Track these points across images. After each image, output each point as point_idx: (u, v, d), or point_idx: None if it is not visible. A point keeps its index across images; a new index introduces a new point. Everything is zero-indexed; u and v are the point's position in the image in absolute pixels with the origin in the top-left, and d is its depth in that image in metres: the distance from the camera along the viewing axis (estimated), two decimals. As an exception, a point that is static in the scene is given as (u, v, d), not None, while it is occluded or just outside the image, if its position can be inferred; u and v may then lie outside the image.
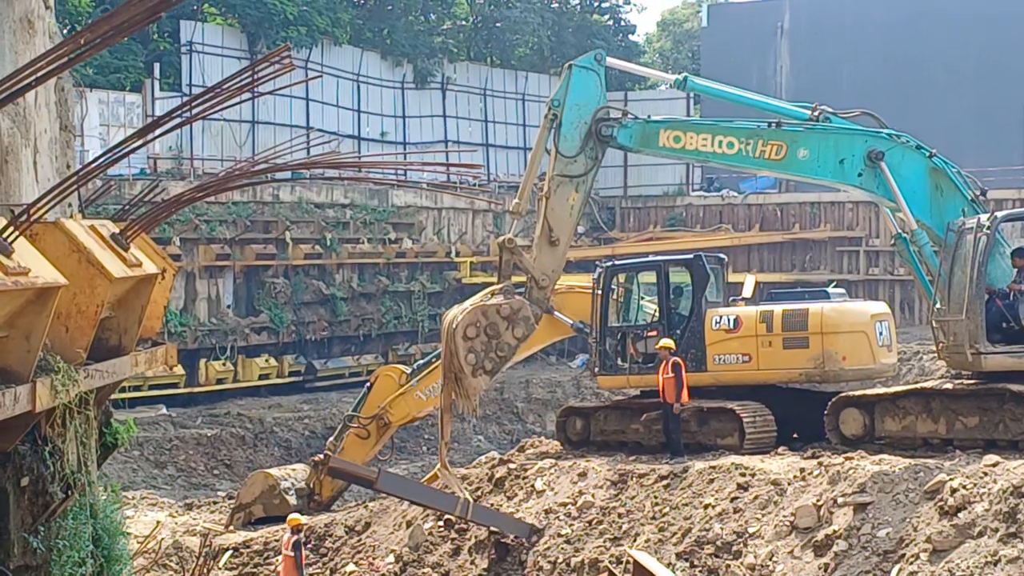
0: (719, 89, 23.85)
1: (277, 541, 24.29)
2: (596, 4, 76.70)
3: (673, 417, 22.57)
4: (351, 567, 22.68)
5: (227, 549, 24.26)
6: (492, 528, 21.51)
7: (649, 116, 21.99)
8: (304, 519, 22.89)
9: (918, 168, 21.12)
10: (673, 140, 21.46)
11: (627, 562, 19.11)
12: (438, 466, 22.32)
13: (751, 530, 19.34)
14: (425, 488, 22.92)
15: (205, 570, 20.69)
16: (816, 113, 21.67)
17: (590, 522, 21.30)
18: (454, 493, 21.50)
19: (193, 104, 8.22)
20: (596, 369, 25.48)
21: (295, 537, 21.17)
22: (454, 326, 19.83)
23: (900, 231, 21.31)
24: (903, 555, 17.20)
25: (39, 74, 6.45)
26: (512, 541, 21.33)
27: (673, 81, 23.17)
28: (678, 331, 24.23)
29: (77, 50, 6.38)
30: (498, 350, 20.06)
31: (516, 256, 20.58)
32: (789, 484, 19.85)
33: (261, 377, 45.94)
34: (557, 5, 73.13)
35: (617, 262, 26.89)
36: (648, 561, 17.82)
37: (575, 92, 21.07)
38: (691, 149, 21.58)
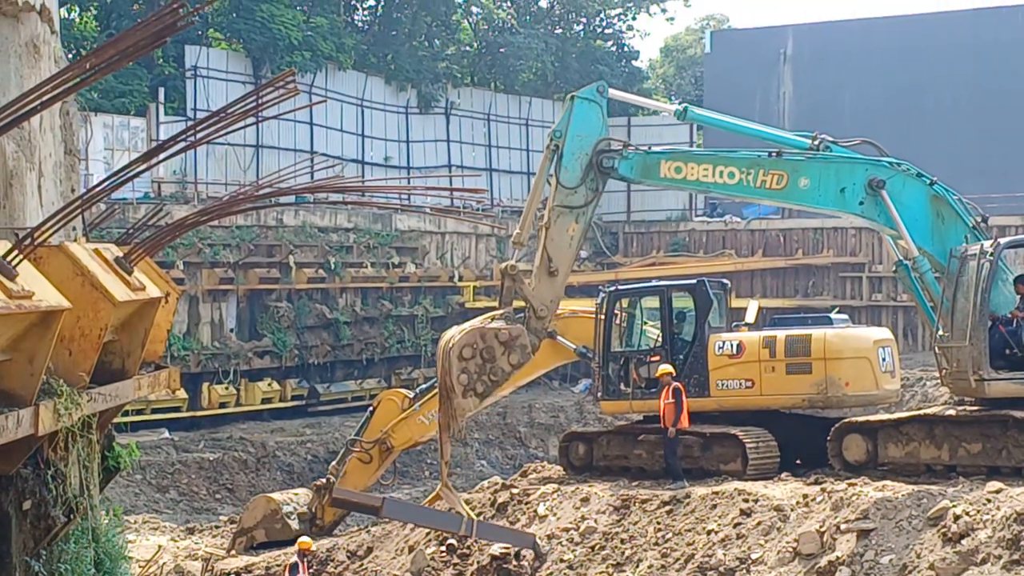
0: (719, 119, 23.91)
1: (279, 566, 24.24)
2: (599, 30, 76.92)
3: (672, 442, 22.54)
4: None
5: (229, 574, 24.20)
6: (500, 544, 21.47)
7: (650, 147, 22.01)
8: (311, 543, 22.89)
9: (919, 196, 21.12)
10: (674, 171, 21.45)
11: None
12: (439, 486, 22.30)
13: (754, 556, 19.28)
14: (429, 511, 22.91)
15: (207, 594, 20.67)
16: (817, 142, 21.67)
17: (593, 547, 21.25)
18: (458, 513, 21.49)
19: (198, 128, 8.26)
20: (599, 394, 25.47)
21: (293, 559, 21.24)
22: (451, 345, 19.84)
23: (901, 258, 21.31)
24: (906, 582, 17.15)
25: (44, 98, 6.48)
26: (514, 567, 21.27)
27: (674, 111, 23.16)
28: (681, 356, 24.22)
29: (82, 75, 6.41)
30: (491, 374, 20.04)
31: (517, 283, 20.57)
32: (792, 510, 19.81)
33: (264, 401, 45.90)
34: (561, 31, 73.38)
35: (620, 287, 26.90)
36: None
37: (577, 123, 21.06)
38: (692, 180, 21.58)
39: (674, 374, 22.70)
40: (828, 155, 21.32)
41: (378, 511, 22.34)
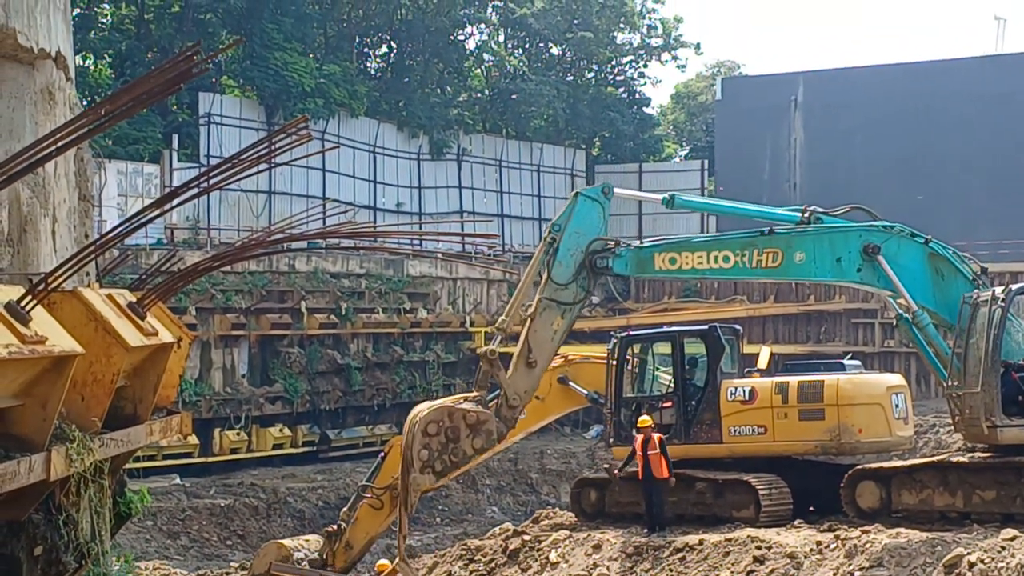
0: (706, 203, 23.98)
1: (289, 613, 24.11)
2: (611, 77, 77.27)
3: (658, 492, 22.53)
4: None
5: (239, 620, 24.09)
6: None
7: (642, 242, 21.93)
8: (389, 565, 23.05)
9: (916, 256, 21.05)
10: (669, 262, 21.39)
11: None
12: (396, 559, 21.96)
13: (767, 604, 19.15)
14: None
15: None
16: (807, 215, 21.65)
17: (605, 595, 21.11)
18: None
19: (211, 174, 8.29)
20: (611, 440, 25.39)
21: None
22: (417, 419, 19.65)
23: (902, 312, 21.25)
24: (921, 630, 17.02)
25: (59, 144, 6.52)
26: None
27: (661, 200, 23.14)
28: (693, 402, 24.18)
29: (97, 121, 6.46)
30: (452, 454, 19.77)
31: (495, 369, 20.33)
32: (806, 557, 19.69)
33: (275, 447, 45.86)
34: (572, 78, 73.72)
35: (632, 332, 26.87)
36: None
37: (577, 220, 20.92)
38: (688, 268, 21.49)
39: (653, 424, 22.73)
40: (820, 226, 21.25)
41: None
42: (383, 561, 23.20)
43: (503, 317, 20.96)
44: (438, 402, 20.15)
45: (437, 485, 20.70)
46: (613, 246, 21.22)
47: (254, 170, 8.50)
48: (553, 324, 20.62)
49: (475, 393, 20.34)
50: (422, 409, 19.73)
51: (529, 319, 20.56)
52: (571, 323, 20.82)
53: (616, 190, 22.46)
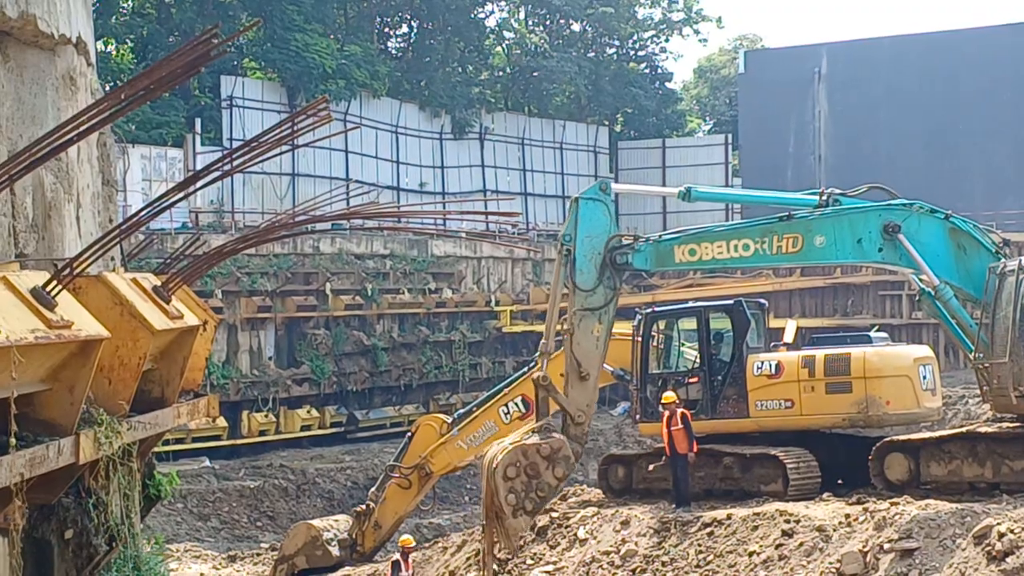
0: (722, 193, 23.76)
1: (320, 592, 24.26)
2: (633, 53, 76.97)
3: (683, 467, 22.52)
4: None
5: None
6: (541, 569, 21.38)
7: (661, 235, 21.81)
8: (413, 541, 23.26)
9: (936, 232, 20.91)
10: (688, 254, 21.28)
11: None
12: None
13: (796, 577, 19.14)
14: None
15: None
16: (825, 198, 21.52)
17: (633, 571, 21.15)
18: None
19: (234, 156, 8.30)
20: (637, 416, 25.38)
21: (396, 557, 21.77)
22: (494, 465, 19.49)
23: (925, 288, 21.14)
24: (951, 601, 16.99)
25: (81, 129, 6.54)
26: None
27: (677, 193, 22.99)
28: (719, 377, 24.15)
29: (117, 105, 6.47)
30: (538, 490, 19.68)
31: (551, 393, 20.30)
32: (834, 530, 19.66)
33: (303, 428, 46.03)
34: (594, 54, 73.48)
35: (657, 309, 26.82)
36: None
37: (584, 224, 20.79)
38: (708, 259, 21.38)
39: (678, 400, 22.70)
40: (839, 208, 21.11)
41: None
42: (406, 536, 23.29)
43: (543, 340, 20.79)
44: (507, 442, 19.85)
45: (532, 522, 20.56)
46: (632, 241, 21.13)
47: (276, 152, 8.51)
48: (593, 331, 20.54)
49: (539, 423, 20.18)
50: (495, 455, 19.48)
51: (568, 335, 20.46)
52: (611, 324, 20.68)
53: (621, 186, 22.39)
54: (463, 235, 50.90)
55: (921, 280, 21.07)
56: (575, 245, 20.51)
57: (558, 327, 21.19)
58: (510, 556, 20.91)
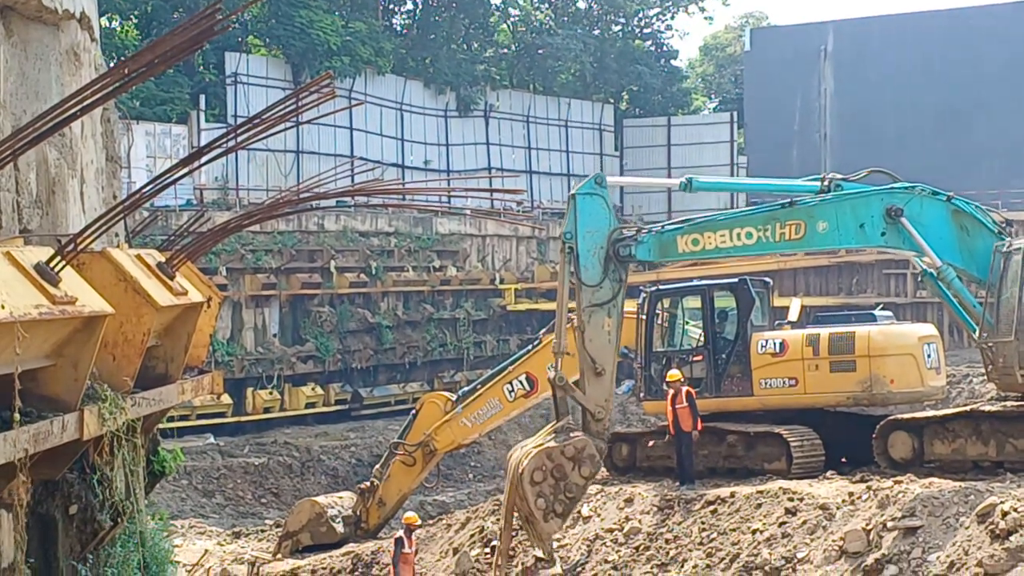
0: (723, 183, 23.57)
1: (325, 569, 24.32)
2: (638, 30, 76.76)
3: (688, 445, 22.54)
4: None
5: (275, 577, 24.30)
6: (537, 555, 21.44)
7: (664, 226, 21.71)
8: (417, 518, 23.33)
9: (939, 214, 20.87)
10: (692, 244, 21.19)
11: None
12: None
13: (800, 555, 19.17)
14: None
15: (253, 598, 20.76)
16: (826, 183, 21.46)
17: (637, 548, 21.19)
18: None
19: (238, 133, 8.28)
20: (641, 394, 25.41)
21: (399, 533, 21.88)
22: (520, 471, 19.46)
23: (926, 268, 21.11)
24: (954, 580, 17.00)
25: (84, 104, 6.52)
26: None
27: (679, 184, 22.89)
28: (723, 355, 24.15)
29: (121, 80, 6.45)
30: (567, 491, 19.65)
31: (569, 391, 20.26)
32: (838, 508, 19.68)
33: (308, 406, 46.10)
34: (599, 31, 73.29)
35: (662, 287, 26.81)
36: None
37: (584, 220, 20.66)
38: (711, 248, 21.28)
39: (683, 379, 22.69)
40: (841, 194, 21.04)
41: None
42: (410, 514, 23.35)
43: (555, 340, 20.75)
44: (530, 446, 19.83)
45: (564, 525, 20.52)
46: (634, 233, 21.06)
47: (280, 128, 8.49)
48: (604, 326, 20.48)
49: (560, 423, 20.16)
50: (519, 460, 19.45)
51: (579, 333, 20.40)
52: (621, 317, 20.59)
53: (617, 179, 22.31)
54: (468, 213, 50.84)
55: (924, 262, 21.04)
56: (577, 242, 20.39)
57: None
58: (548, 560, 20.90)
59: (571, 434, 19.51)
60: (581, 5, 73.67)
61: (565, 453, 19.26)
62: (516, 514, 19.52)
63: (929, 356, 23.25)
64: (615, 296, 20.44)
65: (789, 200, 21.12)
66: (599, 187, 20.81)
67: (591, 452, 19.33)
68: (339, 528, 26.09)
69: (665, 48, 78.17)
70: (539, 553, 20.57)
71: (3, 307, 6.33)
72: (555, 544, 21.40)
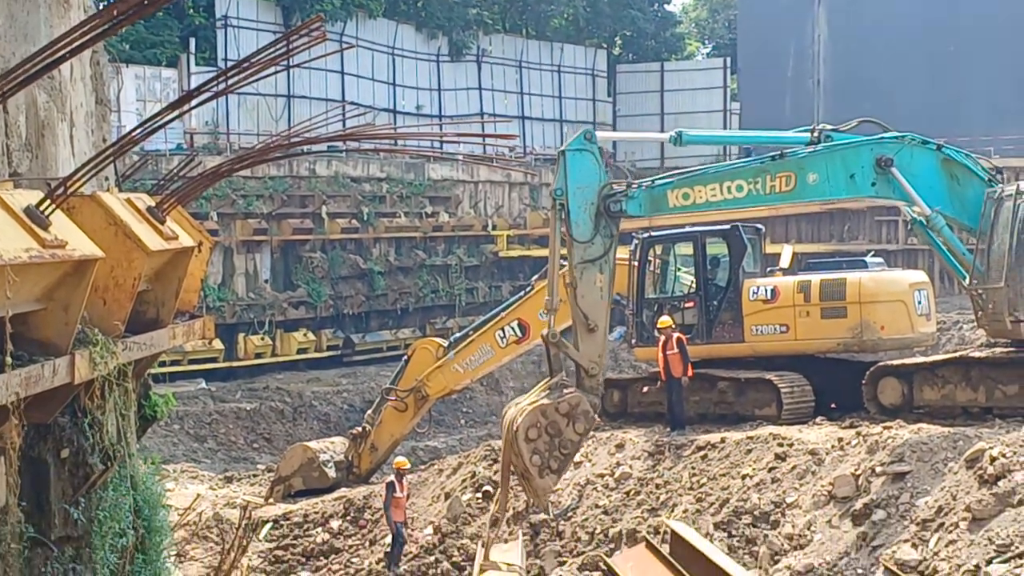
0: (713, 135, 23.49)
1: (317, 513, 24.46)
2: (631, -26, 76.21)
3: (678, 391, 22.63)
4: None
5: (267, 521, 24.45)
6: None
7: (654, 180, 21.66)
8: (408, 463, 23.44)
9: (929, 163, 20.85)
10: (682, 198, 21.12)
11: (665, 532, 19.13)
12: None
13: (789, 500, 19.31)
14: None
15: (245, 542, 20.81)
16: (816, 135, 21.40)
17: (628, 493, 21.34)
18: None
19: (228, 76, 8.22)
20: (633, 341, 25.50)
21: (390, 478, 22.01)
22: (515, 428, 19.51)
23: (916, 217, 21.12)
24: (942, 524, 17.13)
25: (73, 46, 6.47)
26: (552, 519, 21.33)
27: (668, 138, 22.76)
28: (715, 302, 24.21)
29: (111, 21, 6.40)
30: (561, 447, 19.69)
31: (562, 348, 20.25)
32: (827, 454, 19.81)
33: (299, 351, 46.17)
34: (592, -25, 72.74)
35: (654, 234, 26.83)
36: (686, 531, 17.82)
37: (574, 176, 20.54)
38: (702, 202, 21.19)
39: (674, 325, 22.73)
40: (830, 145, 21.02)
41: None
42: (401, 458, 23.48)
43: (547, 297, 20.73)
44: (524, 403, 19.89)
45: (560, 480, 20.57)
46: (624, 188, 21.00)
47: (271, 71, 8.42)
48: (596, 282, 20.45)
49: (554, 379, 20.19)
50: (514, 418, 19.53)
51: (571, 289, 20.39)
52: (613, 272, 20.53)
53: (606, 134, 22.19)
54: (460, 158, 50.71)
55: (913, 211, 21.06)
56: (567, 198, 20.32)
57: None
58: (547, 516, 20.98)
59: (565, 390, 19.55)
60: (574, -51, 73.11)
61: (559, 410, 19.32)
62: (512, 471, 19.59)
63: (920, 302, 23.34)
64: (606, 252, 20.41)
65: (779, 152, 21.07)
66: (588, 143, 20.68)
67: (585, 408, 19.39)
68: (331, 473, 26.23)
69: (658, -7, 77.69)
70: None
71: (-7, 250, 6.31)
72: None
